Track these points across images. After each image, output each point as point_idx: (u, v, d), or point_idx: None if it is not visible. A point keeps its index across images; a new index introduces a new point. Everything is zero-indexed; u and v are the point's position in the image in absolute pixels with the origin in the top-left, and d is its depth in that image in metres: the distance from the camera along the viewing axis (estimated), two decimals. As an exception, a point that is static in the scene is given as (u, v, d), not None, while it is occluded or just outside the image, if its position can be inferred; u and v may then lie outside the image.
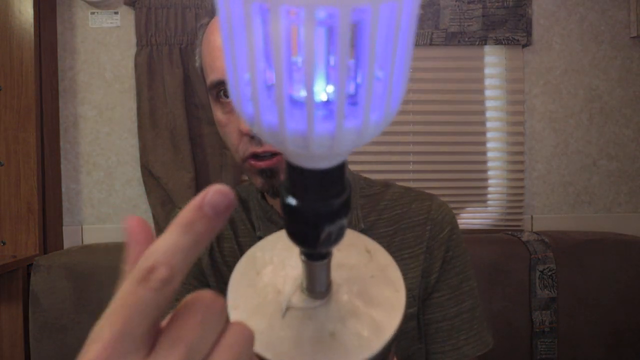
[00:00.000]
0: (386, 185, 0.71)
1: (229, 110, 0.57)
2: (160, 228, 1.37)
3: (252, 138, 0.56)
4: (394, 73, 0.17)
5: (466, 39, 1.42)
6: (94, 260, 1.19)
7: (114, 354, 0.17)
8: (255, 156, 0.57)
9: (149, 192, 1.37)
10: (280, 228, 0.59)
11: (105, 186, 1.45)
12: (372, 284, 0.29)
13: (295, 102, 0.17)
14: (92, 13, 1.42)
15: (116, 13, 1.42)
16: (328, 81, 0.17)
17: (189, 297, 0.20)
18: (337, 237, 0.23)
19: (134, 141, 1.42)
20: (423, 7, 1.41)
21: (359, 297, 0.28)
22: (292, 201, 0.21)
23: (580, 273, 1.22)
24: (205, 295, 0.20)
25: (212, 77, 0.56)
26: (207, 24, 0.60)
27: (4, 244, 1.26)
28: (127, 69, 1.42)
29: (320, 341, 0.26)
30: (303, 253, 0.26)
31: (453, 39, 1.42)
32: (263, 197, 0.66)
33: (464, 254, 0.68)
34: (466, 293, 0.67)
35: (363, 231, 0.64)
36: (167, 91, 1.34)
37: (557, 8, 1.47)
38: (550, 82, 1.49)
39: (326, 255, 0.26)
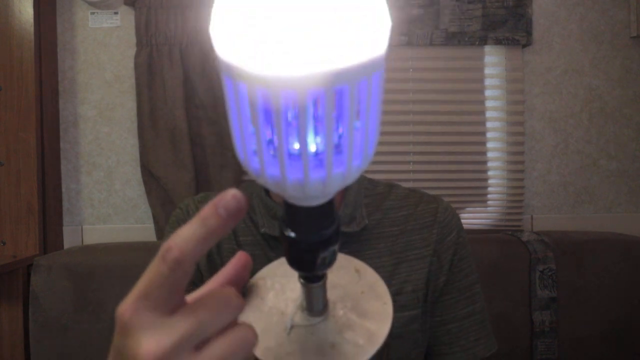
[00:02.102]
0: (390, 185, 0.72)
1: None
2: (160, 228, 1.37)
3: None
4: (369, 126, 0.21)
5: (466, 39, 1.42)
6: (94, 260, 1.19)
7: (137, 308, 0.23)
8: None
9: (149, 192, 1.37)
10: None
11: (105, 186, 1.45)
12: (363, 299, 0.34)
13: (292, 156, 0.21)
14: (92, 13, 1.42)
15: (116, 13, 1.42)
16: (316, 133, 0.20)
17: (216, 288, 0.26)
18: (331, 260, 0.28)
19: (134, 141, 1.42)
20: (423, 7, 1.41)
21: (353, 312, 0.33)
22: (290, 234, 0.26)
23: (580, 273, 1.22)
24: (229, 291, 0.25)
25: None
26: None
27: (4, 244, 1.26)
28: (127, 69, 1.42)
29: (323, 352, 0.31)
30: (302, 277, 0.30)
31: (453, 39, 1.42)
32: (267, 194, 0.66)
33: (470, 257, 0.69)
34: (475, 295, 0.68)
35: (367, 227, 0.65)
36: (167, 91, 1.34)
37: (557, 8, 1.47)
38: (550, 82, 1.49)
39: (322, 278, 0.30)
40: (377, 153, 0.69)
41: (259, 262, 0.51)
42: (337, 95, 0.19)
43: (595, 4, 1.48)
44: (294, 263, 0.28)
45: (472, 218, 1.50)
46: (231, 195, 0.23)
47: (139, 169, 1.39)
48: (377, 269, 0.64)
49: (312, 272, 0.28)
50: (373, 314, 0.33)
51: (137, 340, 0.23)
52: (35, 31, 1.28)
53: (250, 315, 0.34)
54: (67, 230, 1.43)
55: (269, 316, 0.33)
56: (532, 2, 1.44)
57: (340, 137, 0.21)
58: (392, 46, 1.43)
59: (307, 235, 0.26)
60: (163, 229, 1.37)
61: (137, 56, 1.35)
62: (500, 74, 1.48)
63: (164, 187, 1.35)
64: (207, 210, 0.23)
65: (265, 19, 0.18)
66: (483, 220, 1.50)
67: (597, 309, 1.22)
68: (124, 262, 1.18)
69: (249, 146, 0.22)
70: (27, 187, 1.27)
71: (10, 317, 1.22)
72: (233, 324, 0.25)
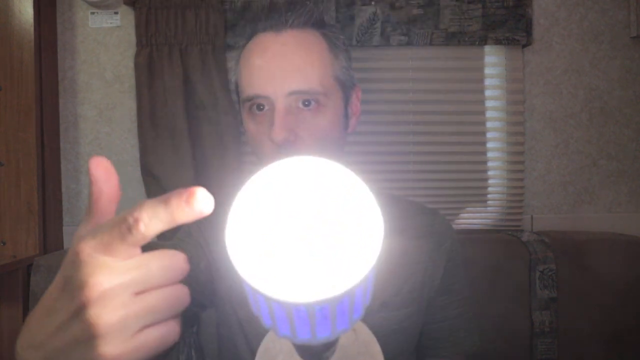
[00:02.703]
0: (391, 196, 0.79)
1: (261, 122, 0.63)
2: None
3: (281, 148, 0.62)
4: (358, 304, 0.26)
5: (466, 39, 1.42)
6: (94, 260, 1.19)
7: (95, 250, 0.26)
8: None
9: (149, 192, 1.37)
10: None
11: (105, 186, 1.44)
12: None
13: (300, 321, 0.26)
14: (92, 13, 1.42)
15: (116, 13, 1.42)
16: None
17: (170, 251, 0.28)
18: (332, 354, 0.34)
19: (134, 141, 1.42)
20: (423, 7, 1.40)
21: None
22: (304, 348, 0.32)
23: (580, 273, 1.22)
24: (181, 256, 0.28)
25: (249, 92, 0.62)
26: (245, 45, 0.67)
27: (4, 244, 1.26)
28: (127, 69, 1.42)
29: None
30: None
31: (453, 39, 1.42)
32: None
33: (461, 265, 0.78)
34: (466, 298, 0.77)
35: None
36: (167, 91, 1.34)
37: (557, 8, 1.47)
38: (550, 82, 1.48)
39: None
40: (377, 153, 0.71)
41: None
42: (339, 302, 0.24)
43: (595, 4, 1.48)
44: (300, 355, 0.33)
45: (472, 218, 1.50)
46: (198, 191, 0.25)
47: (139, 169, 1.39)
48: (378, 271, 0.68)
49: None
50: None
51: (88, 274, 0.26)
52: (35, 31, 1.28)
53: None
54: (67, 230, 1.43)
55: None
56: (532, 2, 1.44)
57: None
58: (392, 46, 1.43)
59: (314, 345, 0.30)
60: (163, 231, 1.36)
61: (137, 56, 1.35)
62: (500, 74, 1.48)
63: (164, 187, 1.35)
64: (173, 196, 0.25)
65: (277, 250, 0.24)
66: (483, 220, 1.50)
67: (597, 309, 1.21)
68: (124, 262, 1.18)
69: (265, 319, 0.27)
70: (27, 187, 1.27)
71: (10, 317, 1.22)
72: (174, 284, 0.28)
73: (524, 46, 1.46)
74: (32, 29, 1.27)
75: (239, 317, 0.69)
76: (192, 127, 1.37)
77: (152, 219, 0.25)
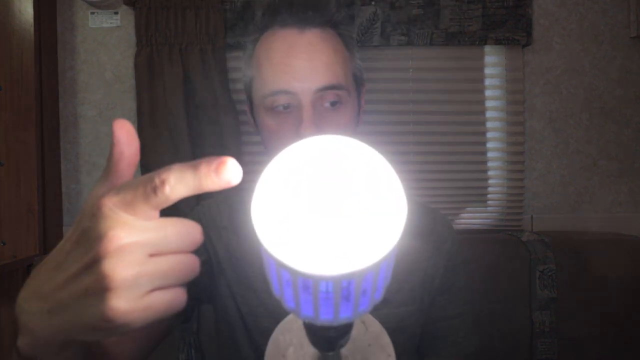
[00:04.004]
0: None
1: (285, 118, 0.63)
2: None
3: None
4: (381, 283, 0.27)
5: (466, 39, 1.42)
6: (94, 260, 1.19)
7: (117, 206, 0.26)
8: None
9: (149, 192, 1.37)
10: None
11: (105, 186, 1.44)
12: (370, 352, 0.38)
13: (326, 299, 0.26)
14: (92, 13, 1.42)
15: (116, 13, 1.42)
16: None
17: (185, 220, 0.28)
18: (345, 343, 0.34)
19: (134, 141, 1.42)
20: (423, 7, 1.40)
21: None
22: (319, 335, 0.32)
23: (580, 273, 1.22)
24: (197, 227, 0.29)
25: (272, 87, 0.62)
26: (257, 39, 0.67)
27: (4, 244, 1.26)
28: (127, 69, 1.42)
29: None
30: (323, 351, 0.35)
31: (453, 39, 1.42)
32: None
33: (461, 265, 0.78)
34: (466, 299, 0.77)
35: None
36: (167, 91, 1.34)
37: (557, 8, 1.47)
38: (550, 82, 1.48)
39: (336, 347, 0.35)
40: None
41: None
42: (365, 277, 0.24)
43: (595, 4, 1.48)
44: (314, 344, 0.34)
45: (472, 218, 1.50)
46: (229, 161, 0.26)
47: (139, 169, 1.39)
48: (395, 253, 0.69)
49: (329, 351, 0.34)
50: None
51: (108, 227, 0.26)
52: (35, 31, 1.28)
53: None
54: (67, 230, 1.42)
55: None
56: (532, 2, 1.44)
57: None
58: (392, 46, 1.43)
59: (330, 333, 0.31)
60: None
61: (137, 56, 1.35)
62: (500, 74, 1.48)
63: (164, 187, 1.35)
64: (203, 163, 0.26)
65: (303, 223, 0.24)
66: (483, 220, 1.50)
67: (597, 309, 1.21)
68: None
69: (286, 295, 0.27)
70: (27, 187, 1.27)
71: (10, 317, 1.22)
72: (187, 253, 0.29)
73: (524, 46, 1.46)
74: (32, 29, 1.27)
75: (241, 312, 0.69)
76: (192, 127, 1.37)
77: (179, 183, 0.26)
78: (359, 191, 0.24)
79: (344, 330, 0.32)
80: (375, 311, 0.71)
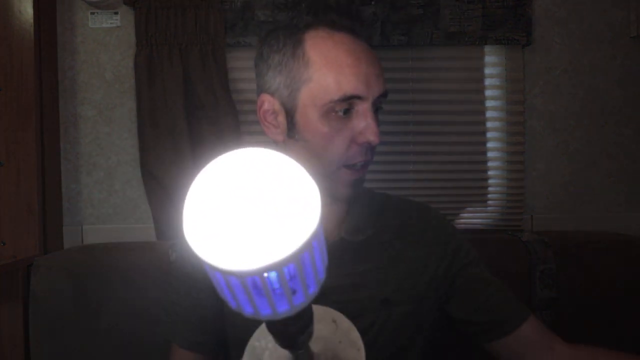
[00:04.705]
0: (387, 196, 0.81)
1: (343, 124, 0.63)
2: (159, 228, 1.37)
3: (367, 149, 0.65)
4: (311, 274, 0.29)
5: (466, 39, 1.42)
6: (94, 260, 1.19)
7: None
8: (347, 166, 0.65)
9: (149, 192, 1.37)
10: None
11: (105, 186, 1.44)
12: (341, 349, 0.41)
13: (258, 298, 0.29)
14: (92, 13, 1.42)
15: (116, 13, 1.42)
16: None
17: None
18: (309, 338, 0.37)
19: (134, 141, 1.42)
20: (423, 7, 1.40)
21: None
22: (276, 329, 0.35)
23: (580, 273, 1.22)
24: None
25: (342, 92, 0.61)
26: (302, 39, 0.64)
27: (4, 244, 1.26)
28: (127, 69, 1.42)
29: None
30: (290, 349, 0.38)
31: (453, 39, 1.42)
32: None
33: (472, 250, 0.77)
34: (497, 283, 0.75)
35: (370, 236, 0.72)
36: (167, 91, 1.34)
37: (557, 8, 1.47)
38: (550, 82, 1.48)
39: (303, 346, 0.38)
40: (378, 153, 0.73)
41: None
42: (289, 266, 0.27)
43: (595, 4, 1.47)
44: (282, 345, 0.37)
45: (472, 218, 1.50)
46: None
47: (139, 169, 1.39)
48: (378, 271, 0.71)
49: (293, 349, 0.37)
50: None
51: None
52: (35, 31, 1.28)
53: None
54: (67, 230, 1.43)
55: None
56: (532, 2, 1.44)
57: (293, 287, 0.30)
58: (392, 46, 1.43)
59: (289, 327, 0.34)
60: (163, 228, 1.37)
61: (137, 56, 1.35)
62: (500, 74, 1.48)
63: (164, 187, 1.35)
64: None
65: (227, 228, 0.27)
66: (483, 220, 1.50)
67: (597, 309, 1.21)
68: (124, 262, 1.18)
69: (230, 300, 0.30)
70: (27, 187, 1.27)
71: (10, 317, 1.22)
72: None
73: (524, 46, 1.46)
74: (32, 29, 1.27)
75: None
76: (192, 127, 1.37)
77: None
78: (276, 194, 0.28)
79: (301, 325, 0.34)
80: (377, 311, 0.72)
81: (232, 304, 0.29)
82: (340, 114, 0.62)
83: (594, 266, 1.22)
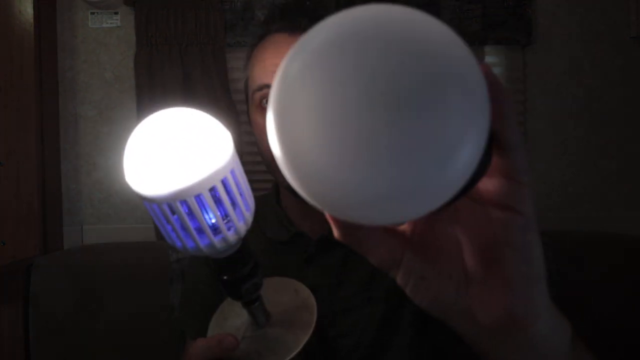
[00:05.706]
0: None
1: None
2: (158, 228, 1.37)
3: None
4: (241, 202, 0.35)
5: (466, 39, 1.40)
6: (94, 261, 1.19)
7: None
8: None
9: (149, 192, 1.37)
10: (287, 230, 0.72)
11: (105, 186, 1.44)
12: (296, 311, 0.47)
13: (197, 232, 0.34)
14: (92, 13, 1.42)
15: (116, 13, 1.42)
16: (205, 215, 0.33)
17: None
18: (255, 289, 0.40)
19: (134, 141, 1.42)
20: (423, 7, 1.40)
21: (288, 322, 0.46)
22: (220, 276, 0.39)
23: (580, 273, 1.22)
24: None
25: (258, 82, 0.66)
26: (256, 44, 0.71)
27: (4, 244, 1.26)
28: (127, 69, 1.42)
29: (261, 352, 0.43)
30: (241, 302, 0.42)
31: (453, 39, 1.42)
32: (277, 202, 0.75)
33: None
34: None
35: None
36: (167, 91, 1.34)
37: (557, 8, 1.47)
38: (550, 82, 1.48)
39: (255, 301, 0.42)
40: None
41: (265, 270, 0.54)
42: (212, 192, 0.32)
43: (595, 4, 1.47)
44: (228, 294, 0.41)
45: (472, 218, 1.50)
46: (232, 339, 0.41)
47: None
48: (363, 268, 0.71)
49: (241, 300, 0.41)
50: (303, 323, 0.45)
51: None
52: (35, 31, 1.28)
53: (215, 330, 0.47)
54: (67, 230, 1.43)
55: (227, 330, 0.46)
56: (532, 2, 1.44)
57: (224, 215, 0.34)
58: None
59: (228, 275, 0.39)
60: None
61: (137, 56, 1.35)
62: (500, 74, 1.48)
63: (164, 187, 1.35)
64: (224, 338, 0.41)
65: (152, 167, 0.32)
66: (483, 220, 1.50)
67: (597, 308, 1.21)
68: (124, 262, 1.18)
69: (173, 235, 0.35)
70: (27, 187, 1.27)
71: (10, 317, 1.22)
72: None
73: (524, 46, 1.46)
74: (32, 29, 1.27)
75: None
76: (192, 127, 1.37)
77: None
78: (196, 140, 0.32)
79: (240, 272, 0.38)
80: (361, 309, 0.72)
81: (167, 238, 0.34)
82: (265, 104, 0.65)
83: (594, 266, 1.22)
